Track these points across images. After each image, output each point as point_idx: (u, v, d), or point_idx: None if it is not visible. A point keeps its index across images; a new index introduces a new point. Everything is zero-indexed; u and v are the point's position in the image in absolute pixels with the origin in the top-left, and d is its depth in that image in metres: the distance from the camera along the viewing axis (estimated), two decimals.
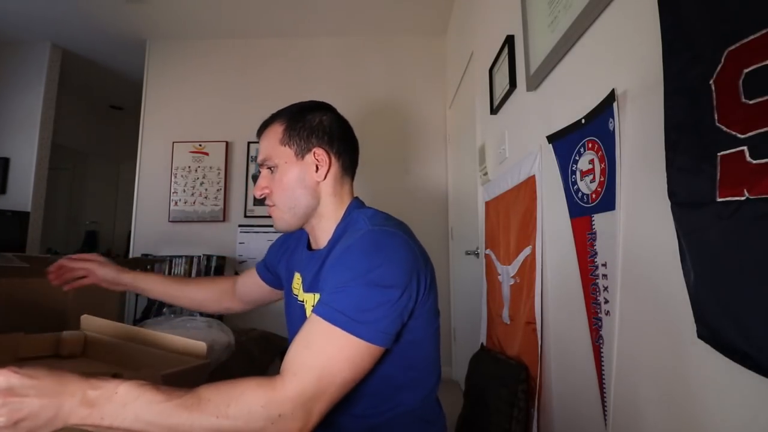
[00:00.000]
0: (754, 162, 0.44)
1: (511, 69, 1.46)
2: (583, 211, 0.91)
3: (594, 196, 0.87)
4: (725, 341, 0.50)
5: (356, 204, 0.80)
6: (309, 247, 0.83)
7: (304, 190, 0.75)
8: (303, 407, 0.53)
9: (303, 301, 0.77)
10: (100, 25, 2.99)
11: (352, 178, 0.83)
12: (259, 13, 2.87)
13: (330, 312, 0.57)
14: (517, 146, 1.45)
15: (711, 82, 0.49)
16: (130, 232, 3.09)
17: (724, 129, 0.47)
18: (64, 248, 4.39)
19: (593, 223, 0.87)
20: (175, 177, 3.02)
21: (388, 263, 0.61)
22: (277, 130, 0.76)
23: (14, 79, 3.19)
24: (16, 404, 0.45)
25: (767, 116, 0.42)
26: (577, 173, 0.94)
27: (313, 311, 0.59)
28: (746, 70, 0.45)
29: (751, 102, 0.44)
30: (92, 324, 0.78)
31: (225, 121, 3.09)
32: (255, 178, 3.02)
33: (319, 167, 0.75)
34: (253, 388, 0.52)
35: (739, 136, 0.46)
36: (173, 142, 3.05)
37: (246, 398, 0.51)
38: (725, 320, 0.49)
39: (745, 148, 0.45)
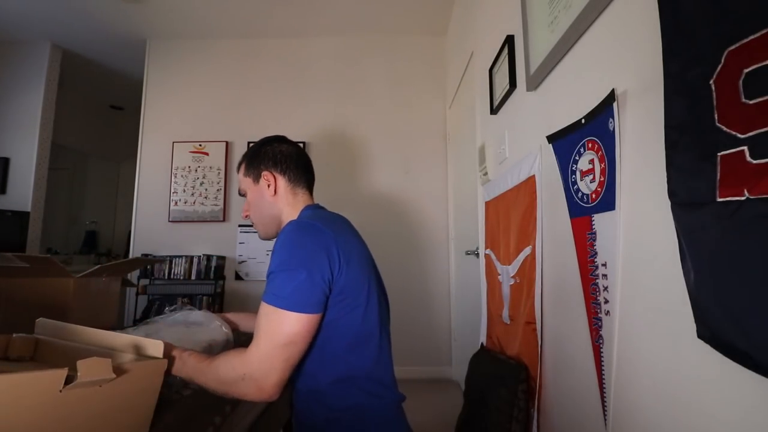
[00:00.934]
0: (754, 162, 0.44)
1: (511, 69, 1.46)
2: (583, 211, 0.91)
3: (594, 196, 0.87)
4: (725, 341, 0.50)
5: (306, 208, 0.97)
6: None
7: (267, 206, 0.97)
8: (259, 369, 0.72)
9: None
10: (100, 25, 2.99)
11: (307, 188, 1.00)
12: (259, 13, 2.87)
13: (265, 295, 0.76)
14: (517, 146, 1.45)
15: (711, 82, 0.49)
16: (130, 232, 3.10)
17: (724, 129, 0.47)
18: (64, 248, 4.39)
19: (593, 223, 0.87)
20: (175, 177, 3.02)
21: (294, 247, 0.79)
22: (242, 167, 1.00)
23: (14, 79, 3.19)
24: None
25: (767, 116, 0.42)
26: (577, 173, 0.94)
27: (263, 298, 0.78)
28: (746, 70, 0.45)
29: (751, 102, 0.44)
30: (46, 327, 0.77)
31: (225, 121, 3.09)
32: None
33: (270, 185, 0.96)
34: (234, 354, 0.76)
35: (739, 136, 0.46)
36: (173, 142, 3.05)
37: (229, 363, 0.74)
38: (725, 320, 0.49)
39: (745, 148, 0.45)
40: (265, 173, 0.96)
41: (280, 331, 0.74)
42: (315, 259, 0.78)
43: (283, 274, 0.77)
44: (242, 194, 1.02)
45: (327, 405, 0.81)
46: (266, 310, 0.76)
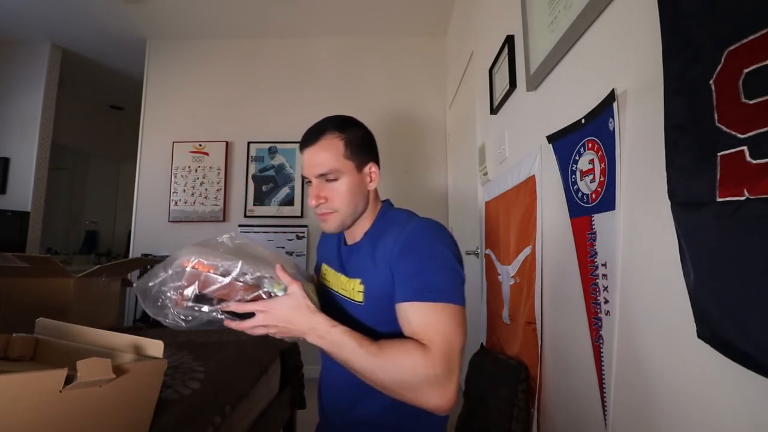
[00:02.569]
0: (754, 162, 0.44)
1: (511, 69, 1.46)
2: (583, 211, 0.91)
3: (594, 196, 0.87)
4: (725, 341, 0.50)
5: (389, 205, 0.92)
6: (344, 242, 0.94)
7: (362, 198, 0.86)
8: (446, 368, 0.66)
9: (340, 288, 0.88)
10: (100, 24, 2.99)
11: None
12: (259, 13, 2.87)
13: (419, 294, 0.71)
14: (517, 146, 1.45)
15: (711, 82, 0.49)
16: (130, 232, 3.09)
17: (724, 129, 0.47)
18: (64, 248, 4.39)
19: (593, 223, 0.87)
20: (175, 177, 3.02)
21: (446, 244, 0.77)
22: (336, 145, 0.83)
23: (14, 79, 3.19)
24: (284, 326, 0.71)
25: (767, 116, 0.42)
26: (577, 173, 0.94)
27: (408, 298, 0.72)
28: (746, 70, 0.44)
29: (751, 102, 0.44)
30: (46, 327, 0.77)
31: (225, 121, 3.09)
32: (255, 178, 3.01)
33: (372, 179, 0.87)
34: (415, 348, 0.68)
35: (739, 136, 0.46)
36: (173, 142, 3.05)
37: (410, 358, 0.67)
38: (725, 320, 0.49)
39: (745, 148, 0.45)
40: (371, 166, 0.87)
41: (459, 328, 0.70)
42: (458, 256, 0.77)
43: (437, 267, 0.73)
44: (329, 176, 0.83)
45: (384, 403, 0.77)
46: (432, 308, 0.70)
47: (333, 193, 0.83)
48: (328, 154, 0.82)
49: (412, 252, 0.75)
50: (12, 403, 0.47)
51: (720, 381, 0.54)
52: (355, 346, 0.68)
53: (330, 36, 3.13)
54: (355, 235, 0.89)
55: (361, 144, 0.86)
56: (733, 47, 0.46)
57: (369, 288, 0.81)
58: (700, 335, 0.54)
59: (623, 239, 0.77)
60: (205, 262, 0.67)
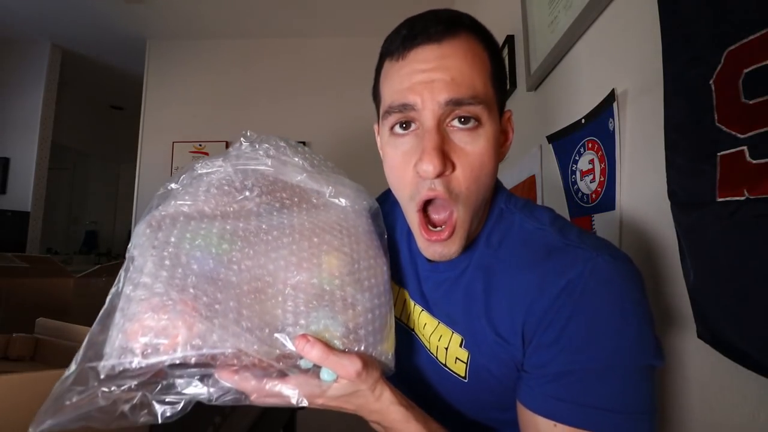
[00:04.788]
0: (754, 162, 0.44)
1: (511, 69, 1.46)
2: (583, 211, 0.91)
3: (594, 196, 0.87)
4: (725, 341, 0.50)
5: (507, 195, 0.53)
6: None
7: (493, 172, 0.46)
8: None
9: (419, 331, 0.54)
10: (100, 24, 2.99)
11: None
12: (259, 13, 2.87)
13: (594, 415, 0.38)
14: (517, 146, 1.44)
15: (711, 82, 0.49)
16: (130, 232, 3.09)
17: (724, 129, 0.47)
18: (64, 248, 4.39)
19: (593, 223, 0.87)
20: None
21: (642, 309, 0.41)
22: (482, 56, 0.45)
23: (14, 79, 3.19)
24: (361, 401, 0.43)
25: (767, 116, 0.42)
26: (577, 173, 0.94)
27: (557, 415, 0.39)
28: (746, 70, 0.44)
29: (751, 102, 0.44)
30: (46, 327, 0.77)
31: (225, 121, 3.09)
32: None
33: (508, 138, 0.51)
34: None
35: (739, 136, 0.46)
36: (173, 142, 3.05)
37: None
38: (725, 320, 0.49)
39: (745, 148, 0.45)
40: (509, 113, 0.51)
41: None
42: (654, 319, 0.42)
43: (622, 360, 0.39)
44: (469, 113, 0.43)
45: None
46: None
47: (466, 157, 0.43)
48: (472, 65, 0.44)
49: (572, 325, 0.40)
50: (12, 403, 0.47)
51: (720, 381, 0.54)
52: None
53: (330, 36, 3.13)
54: None
55: (503, 71, 0.50)
56: (733, 47, 0.46)
57: (480, 362, 0.47)
58: (700, 335, 0.54)
59: (623, 239, 0.77)
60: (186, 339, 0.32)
